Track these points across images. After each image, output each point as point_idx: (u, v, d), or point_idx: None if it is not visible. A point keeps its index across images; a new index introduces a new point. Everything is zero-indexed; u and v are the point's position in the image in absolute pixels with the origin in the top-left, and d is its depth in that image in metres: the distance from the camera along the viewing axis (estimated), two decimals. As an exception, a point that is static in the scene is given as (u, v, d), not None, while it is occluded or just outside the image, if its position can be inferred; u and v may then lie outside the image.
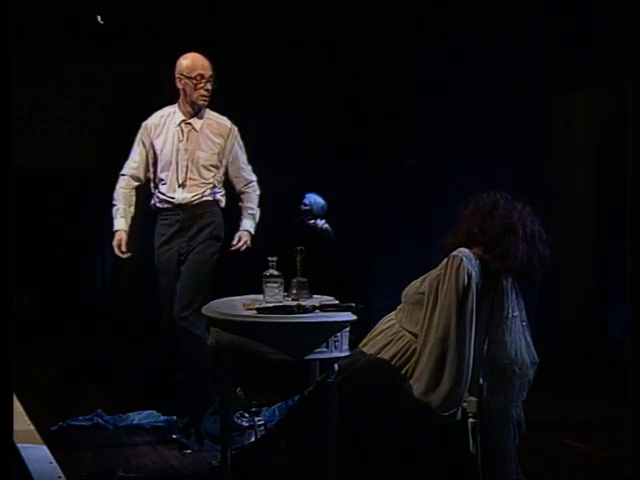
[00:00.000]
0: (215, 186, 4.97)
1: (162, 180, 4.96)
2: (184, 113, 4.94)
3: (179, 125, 4.93)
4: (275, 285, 3.82)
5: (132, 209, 5.02)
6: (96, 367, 6.49)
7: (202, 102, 4.91)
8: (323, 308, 3.67)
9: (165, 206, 4.95)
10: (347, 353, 3.69)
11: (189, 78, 4.86)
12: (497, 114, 7.39)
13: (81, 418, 5.08)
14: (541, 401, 4.47)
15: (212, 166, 4.95)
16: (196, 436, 4.74)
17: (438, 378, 3.59)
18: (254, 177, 5.12)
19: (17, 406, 4.80)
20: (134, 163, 5.00)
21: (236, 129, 5.04)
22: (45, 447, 4.50)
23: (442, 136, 7.85)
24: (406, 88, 7.91)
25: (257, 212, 5.12)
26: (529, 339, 3.77)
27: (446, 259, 3.70)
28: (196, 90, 4.87)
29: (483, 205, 3.78)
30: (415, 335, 3.73)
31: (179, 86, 4.92)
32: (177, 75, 4.91)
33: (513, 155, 7.43)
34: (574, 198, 7.19)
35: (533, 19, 6.85)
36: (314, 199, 7.46)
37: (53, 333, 7.68)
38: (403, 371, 3.71)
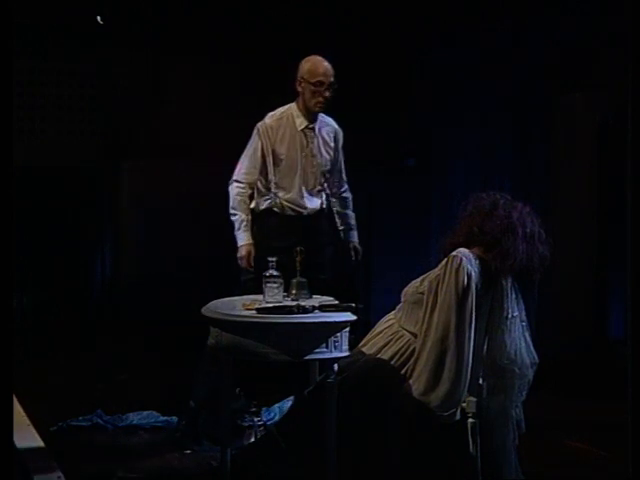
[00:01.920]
0: (328, 191, 4.98)
1: (283, 187, 4.81)
2: (305, 117, 4.84)
3: (302, 130, 4.84)
4: (275, 285, 3.82)
5: (250, 217, 4.83)
6: (96, 367, 6.48)
7: (318, 109, 4.81)
8: (323, 308, 3.67)
9: (287, 213, 4.83)
10: (347, 353, 3.69)
11: (309, 83, 4.76)
12: (497, 114, 7.39)
13: (81, 418, 5.08)
14: (541, 401, 4.46)
15: (328, 172, 4.93)
16: (196, 436, 4.74)
17: (437, 378, 3.60)
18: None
19: (17, 406, 4.79)
20: (253, 169, 4.80)
21: (341, 131, 5.01)
22: (45, 447, 4.50)
23: (442, 136, 7.84)
24: (406, 88, 7.89)
25: None
26: (529, 339, 3.78)
27: (446, 259, 3.70)
28: (314, 97, 4.76)
29: (482, 205, 3.79)
30: (414, 335, 3.73)
31: (299, 89, 4.81)
32: (298, 78, 4.80)
33: (513, 155, 7.42)
34: (574, 198, 7.18)
35: (533, 19, 6.84)
36: (314, 199, 7.45)
37: (53, 333, 7.67)
38: (402, 371, 3.71)
